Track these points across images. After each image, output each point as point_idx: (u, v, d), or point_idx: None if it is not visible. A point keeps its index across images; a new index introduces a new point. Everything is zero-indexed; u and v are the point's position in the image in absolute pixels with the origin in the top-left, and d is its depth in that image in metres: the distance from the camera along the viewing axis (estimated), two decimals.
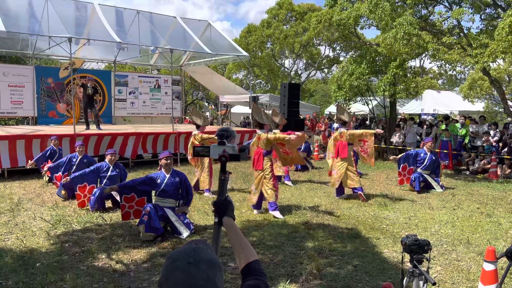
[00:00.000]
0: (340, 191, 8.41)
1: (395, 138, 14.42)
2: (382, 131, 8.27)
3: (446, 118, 13.98)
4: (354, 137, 8.11)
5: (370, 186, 9.58)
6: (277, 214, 6.85)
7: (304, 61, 32.90)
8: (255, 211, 7.16)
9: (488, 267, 3.84)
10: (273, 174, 7.13)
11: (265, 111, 7.46)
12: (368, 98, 16.12)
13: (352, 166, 8.23)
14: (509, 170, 11.24)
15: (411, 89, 13.63)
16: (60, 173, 8.18)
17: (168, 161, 5.98)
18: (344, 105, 14.87)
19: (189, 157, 8.90)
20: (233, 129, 2.06)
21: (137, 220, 5.73)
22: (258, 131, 7.17)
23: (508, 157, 11.32)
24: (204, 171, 8.49)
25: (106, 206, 7.36)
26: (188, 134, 12.45)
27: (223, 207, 1.80)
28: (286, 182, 9.85)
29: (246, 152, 1.96)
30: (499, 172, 11.16)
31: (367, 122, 17.39)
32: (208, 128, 9.92)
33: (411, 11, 10.42)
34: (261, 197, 7.09)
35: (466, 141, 12.77)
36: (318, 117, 17.09)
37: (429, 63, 30.70)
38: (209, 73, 20.49)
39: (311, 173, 11.75)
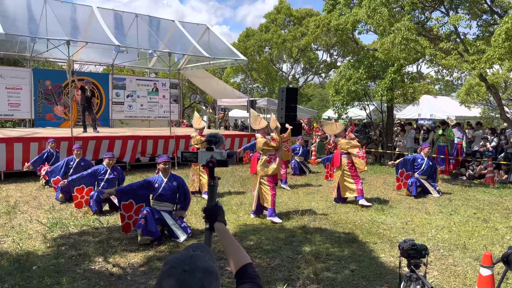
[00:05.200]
0: (340, 200, 8.35)
1: (400, 143, 14.66)
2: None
3: (443, 123, 14.03)
4: (343, 146, 8.16)
5: (367, 191, 9.58)
6: (275, 219, 6.81)
7: (302, 66, 33.01)
8: (252, 215, 7.14)
9: (485, 272, 3.85)
10: (270, 178, 7.10)
11: (260, 116, 7.42)
12: (366, 103, 16.18)
13: (348, 176, 8.18)
14: (505, 176, 11.28)
15: (409, 95, 13.70)
16: (58, 176, 8.16)
17: (166, 166, 5.97)
18: (342, 109, 14.90)
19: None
20: (222, 134, 2.04)
21: None
22: (257, 134, 7.22)
23: (505, 162, 11.36)
24: (202, 174, 8.53)
25: (103, 209, 7.34)
26: (186, 138, 12.45)
27: (213, 213, 1.80)
28: (283, 186, 9.85)
29: (234, 158, 1.94)
30: (495, 178, 11.21)
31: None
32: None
33: (409, 16, 10.47)
34: (259, 202, 7.08)
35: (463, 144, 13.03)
36: (311, 122, 17.09)
37: (426, 68, 30.93)
38: (207, 76, 20.50)
39: (308, 177, 11.76)
